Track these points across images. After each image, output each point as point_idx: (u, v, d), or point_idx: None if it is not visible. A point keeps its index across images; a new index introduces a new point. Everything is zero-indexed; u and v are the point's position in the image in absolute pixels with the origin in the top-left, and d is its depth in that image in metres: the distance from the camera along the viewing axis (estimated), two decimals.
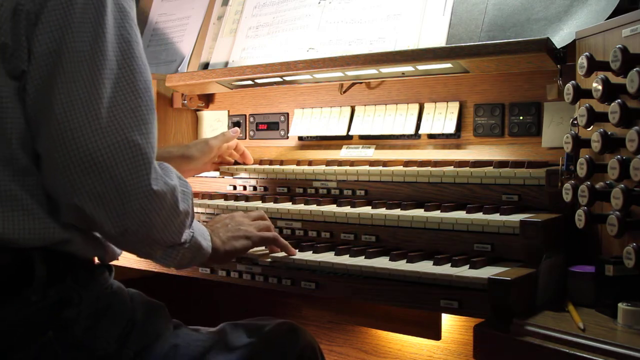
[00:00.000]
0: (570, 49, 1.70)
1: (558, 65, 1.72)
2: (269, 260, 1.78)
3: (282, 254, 1.77)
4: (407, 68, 2.01)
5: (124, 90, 1.27)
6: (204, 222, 1.74)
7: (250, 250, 1.81)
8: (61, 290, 1.29)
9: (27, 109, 1.25)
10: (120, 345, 1.37)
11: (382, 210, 1.81)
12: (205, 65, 2.57)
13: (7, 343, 1.23)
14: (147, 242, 1.35)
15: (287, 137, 2.44)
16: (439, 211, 1.74)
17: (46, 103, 1.23)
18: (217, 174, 2.38)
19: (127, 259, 2.00)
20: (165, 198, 1.31)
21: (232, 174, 2.34)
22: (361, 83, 2.25)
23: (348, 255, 1.72)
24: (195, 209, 1.92)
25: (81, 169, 1.23)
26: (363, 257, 1.69)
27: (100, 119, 1.23)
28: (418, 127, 2.10)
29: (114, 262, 1.52)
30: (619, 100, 1.32)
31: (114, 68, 1.27)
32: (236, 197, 2.18)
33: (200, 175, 2.41)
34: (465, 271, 1.50)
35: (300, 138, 2.41)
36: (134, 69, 1.30)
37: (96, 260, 1.45)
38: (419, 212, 1.75)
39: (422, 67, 1.98)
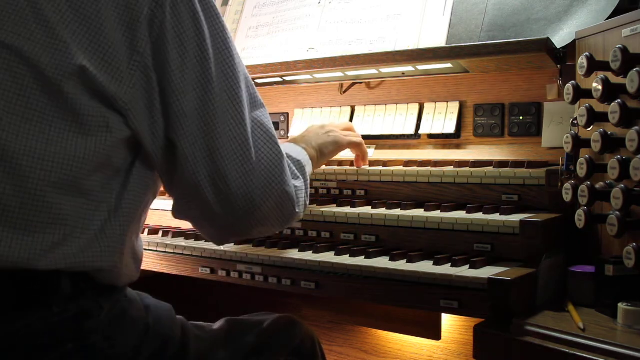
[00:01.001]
0: (570, 49, 1.70)
1: (558, 65, 1.72)
2: (269, 259, 1.78)
3: (283, 254, 1.78)
4: (407, 68, 2.01)
5: (264, 139, 1.40)
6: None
7: (251, 249, 1.82)
8: (82, 303, 1.28)
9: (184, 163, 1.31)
10: (137, 351, 1.37)
11: (382, 210, 1.81)
12: None
13: (25, 352, 1.22)
14: None
15: (287, 137, 2.44)
16: (439, 211, 1.74)
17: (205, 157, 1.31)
18: None
19: None
20: (300, 202, 1.50)
21: None
22: (361, 83, 2.25)
23: (348, 255, 1.72)
24: None
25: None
26: (363, 257, 1.69)
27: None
28: (418, 127, 2.10)
29: None
30: (619, 100, 1.32)
31: (249, 115, 1.38)
32: None
33: None
34: (465, 271, 1.50)
35: None
36: (263, 110, 1.44)
37: None
38: (419, 212, 1.75)
39: (422, 67, 1.98)
